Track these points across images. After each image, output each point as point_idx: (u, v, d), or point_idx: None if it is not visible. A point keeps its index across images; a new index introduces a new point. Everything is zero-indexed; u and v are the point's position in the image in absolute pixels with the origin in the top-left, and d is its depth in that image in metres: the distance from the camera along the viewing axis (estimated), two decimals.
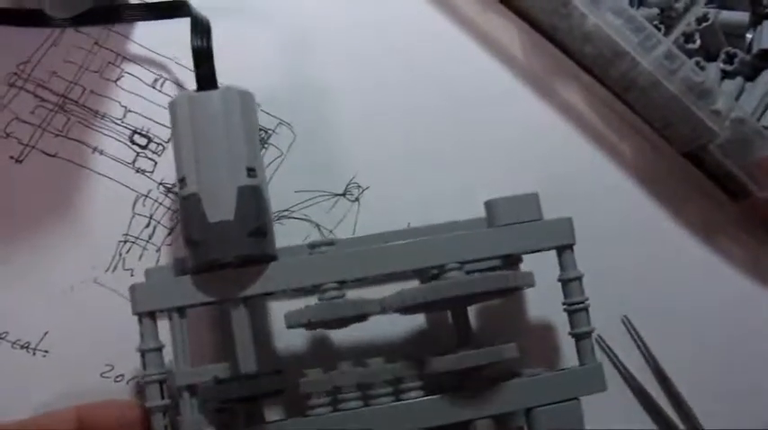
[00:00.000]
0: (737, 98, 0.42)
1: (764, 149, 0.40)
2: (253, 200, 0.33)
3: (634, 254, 0.42)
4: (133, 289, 0.34)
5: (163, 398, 0.33)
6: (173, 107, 0.34)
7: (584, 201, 0.41)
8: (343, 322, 0.34)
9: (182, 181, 0.33)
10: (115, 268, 0.40)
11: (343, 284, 0.34)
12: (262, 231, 0.33)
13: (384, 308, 0.34)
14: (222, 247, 0.32)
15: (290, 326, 0.34)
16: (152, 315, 0.34)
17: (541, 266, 0.37)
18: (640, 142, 0.44)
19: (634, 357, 0.42)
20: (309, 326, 0.34)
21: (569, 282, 0.35)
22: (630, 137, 0.44)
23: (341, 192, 0.42)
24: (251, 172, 0.33)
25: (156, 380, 0.33)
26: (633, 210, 0.43)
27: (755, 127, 0.40)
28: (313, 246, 0.34)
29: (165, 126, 0.42)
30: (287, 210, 0.41)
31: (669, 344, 0.42)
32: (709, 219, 0.44)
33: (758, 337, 0.43)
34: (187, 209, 0.33)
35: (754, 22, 0.43)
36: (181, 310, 0.33)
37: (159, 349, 0.34)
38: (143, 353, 0.34)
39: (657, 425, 0.42)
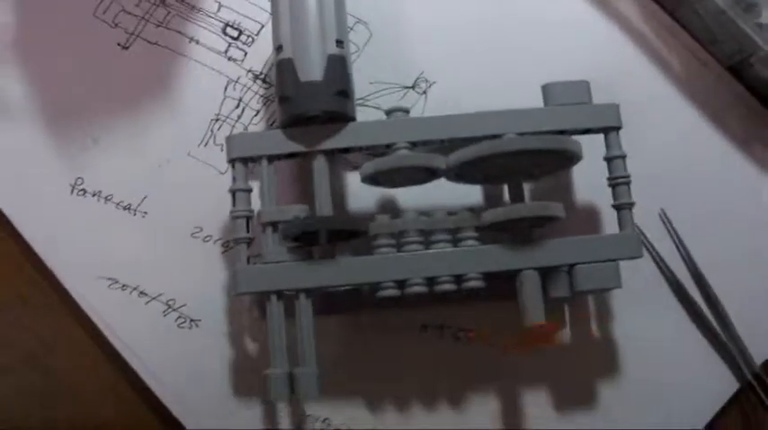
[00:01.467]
0: None
1: None
2: (339, 66, 0.40)
3: (676, 156, 0.48)
4: (229, 139, 0.41)
5: (248, 232, 0.40)
6: None
7: (631, 106, 0.46)
8: (409, 178, 0.41)
9: (278, 48, 0.40)
10: (207, 143, 0.48)
11: (413, 146, 0.40)
12: (345, 93, 0.40)
13: (448, 165, 0.40)
14: (310, 102, 0.39)
15: (365, 176, 0.40)
16: (244, 161, 0.40)
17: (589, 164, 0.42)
18: (687, 55, 0.49)
19: (670, 250, 0.47)
20: (381, 179, 0.40)
21: (614, 159, 0.41)
22: (678, 50, 0.49)
23: (410, 85, 0.48)
24: (339, 43, 0.40)
25: (243, 215, 0.40)
26: (677, 117, 0.48)
27: None
28: (389, 112, 0.41)
29: (254, 20, 0.49)
30: (361, 99, 0.48)
31: (704, 241, 0.47)
32: (748, 128, 0.49)
33: None
34: (282, 71, 0.40)
35: None
36: (270, 158, 0.40)
37: (247, 190, 0.41)
38: (233, 192, 0.41)
39: (689, 315, 0.47)
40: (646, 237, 0.47)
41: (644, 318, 0.47)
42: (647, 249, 0.47)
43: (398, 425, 0.46)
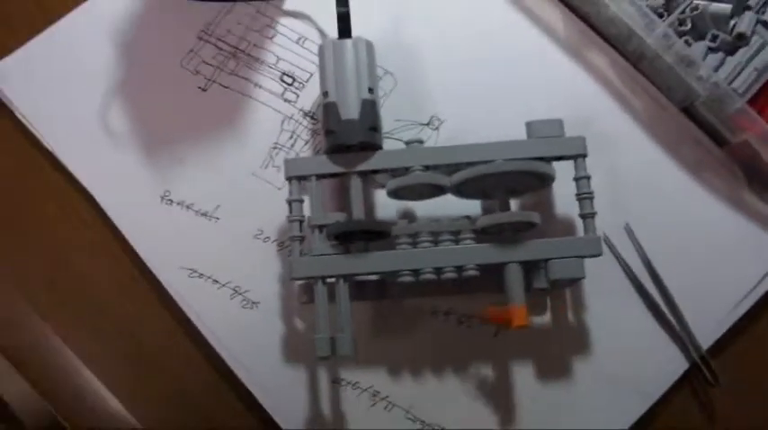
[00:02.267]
0: (718, 68, 0.60)
1: (734, 106, 0.57)
2: (371, 108, 0.53)
3: (639, 180, 0.60)
4: (287, 162, 0.54)
5: (300, 231, 0.54)
6: (322, 47, 0.55)
7: (600, 140, 0.58)
8: (422, 193, 0.54)
9: (325, 94, 0.54)
10: (267, 166, 0.61)
11: (426, 169, 0.54)
12: (375, 128, 0.53)
13: (452, 183, 0.53)
14: (349, 136, 0.53)
15: (389, 191, 0.54)
16: (298, 179, 0.54)
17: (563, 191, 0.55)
18: (647, 99, 0.61)
19: (632, 254, 0.59)
20: (401, 194, 0.54)
21: (581, 179, 0.54)
22: (641, 95, 0.62)
23: (426, 122, 0.61)
24: (370, 91, 0.54)
25: (297, 220, 0.53)
26: (639, 149, 0.60)
27: (727, 89, 0.58)
28: (408, 142, 0.55)
29: (304, 70, 0.62)
30: (388, 132, 0.61)
31: (660, 247, 0.59)
32: (699, 158, 0.61)
33: (732, 249, 0.59)
34: (328, 111, 0.54)
35: (737, 12, 0.60)
36: (317, 177, 0.54)
37: (300, 201, 0.54)
38: (290, 202, 0.54)
39: (646, 306, 0.59)
40: (612, 244, 0.59)
41: (609, 308, 0.58)
42: (613, 253, 0.59)
43: (413, 387, 0.57)
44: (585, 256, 0.53)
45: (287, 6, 0.63)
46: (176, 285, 0.58)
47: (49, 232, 0.60)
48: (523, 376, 0.58)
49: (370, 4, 0.62)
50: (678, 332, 0.58)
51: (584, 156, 0.54)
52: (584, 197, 0.53)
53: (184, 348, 0.59)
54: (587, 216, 0.53)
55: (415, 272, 0.53)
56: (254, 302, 0.59)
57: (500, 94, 0.61)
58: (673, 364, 0.58)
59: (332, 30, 0.58)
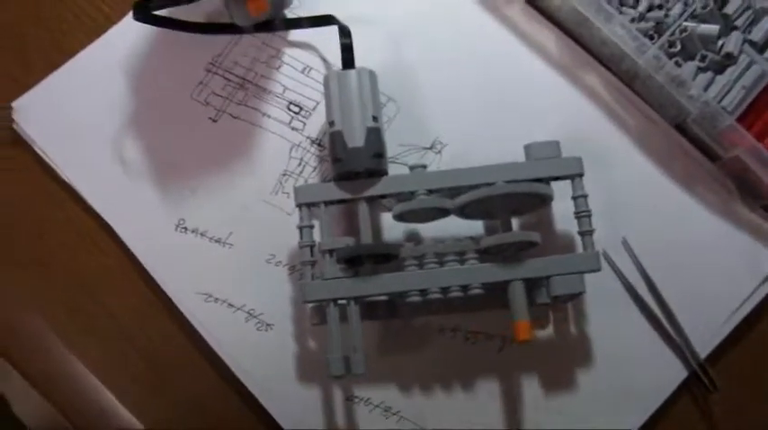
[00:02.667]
0: (708, 87, 0.62)
1: (724, 123, 0.60)
2: (375, 135, 0.56)
3: (633, 197, 0.62)
4: (297, 189, 0.57)
5: (311, 256, 0.56)
6: (327, 78, 0.58)
7: (596, 158, 0.60)
8: (427, 216, 0.57)
9: (331, 123, 0.57)
10: (277, 192, 0.63)
11: (430, 193, 0.57)
12: (380, 154, 0.56)
13: (455, 205, 0.56)
14: (355, 163, 0.55)
15: (395, 215, 0.56)
16: (308, 205, 0.57)
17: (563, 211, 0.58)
18: (641, 117, 0.64)
19: (630, 268, 0.61)
20: (406, 217, 0.57)
21: (578, 198, 0.57)
22: (635, 113, 0.64)
23: (429, 146, 0.64)
24: (375, 119, 0.57)
25: (308, 245, 0.56)
26: (633, 166, 0.63)
27: (717, 107, 0.60)
28: (412, 167, 0.57)
29: (311, 99, 0.65)
30: (392, 157, 0.64)
31: (657, 260, 0.61)
32: (692, 173, 0.63)
33: (726, 260, 0.62)
34: (334, 140, 0.57)
35: (725, 32, 0.63)
36: (326, 203, 0.57)
37: (311, 226, 0.56)
38: (300, 229, 0.57)
39: (646, 318, 0.61)
40: (610, 258, 0.62)
41: (609, 320, 0.61)
42: (612, 267, 0.61)
43: (423, 402, 0.60)
44: (585, 272, 0.55)
45: (292, 38, 0.66)
46: (193, 310, 0.60)
47: (70, 261, 0.63)
48: (528, 388, 0.60)
49: (371, 32, 0.65)
50: (677, 341, 0.61)
51: (581, 175, 0.56)
52: (583, 215, 0.56)
53: (202, 370, 0.61)
54: (586, 233, 0.56)
55: (423, 292, 0.55)
56: (267, 325, 0.61)
57: (499, 116, 0.64)
58: (672, 373, 0.60)
59: (335, 59, 0.61)
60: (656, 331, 0.61)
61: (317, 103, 0.64)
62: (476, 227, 0.61)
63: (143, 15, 0.60)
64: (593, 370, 0.60)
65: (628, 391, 0.60)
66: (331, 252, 0.55)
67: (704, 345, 0.59)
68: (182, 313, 0.60)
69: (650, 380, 0.60)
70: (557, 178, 0.56)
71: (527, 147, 0.56)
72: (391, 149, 0.62)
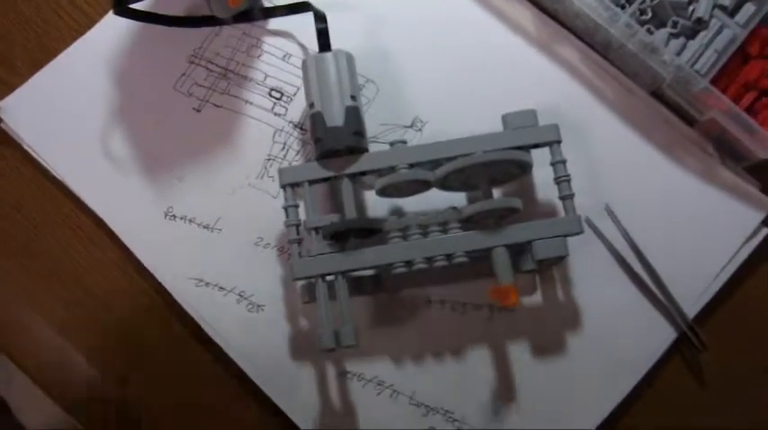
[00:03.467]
0: (680, 52, 0.64)
1: (698, 86, 0.61)
2: (354, 114, 0.58)
3: (615, 164, 0.63)
4: (281, 170, 0.59)
5: (297, 234, 0.58)
6: (305, 62, 0.59)
7: (575, 128, 0.62)
8: (409, 190, 0.58)
9: (311, 105, 0.59)
10: (263, 176, 0.65)
11: (411, 167, 0.58)
12: (360, 133, 0.58)
13: (436, 177, 0.58)
14: (336, 141, 0.57)
15: (378, 190, 0.58)
16: (292, 186, 0.58)
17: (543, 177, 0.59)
18: (619, 87, 0.66)
19: (615, 233, 0.63)
20: (389, 192, 0.58)
21: (557, 164, 0.58)
22: (611, 82, 0.66)
23: (409, 124, 0.66)
24: (353, 98, 0.58)
25: (294, 224, 0.57)
26: (613, 134, 0.64)
27: (690, 71, 0.62)
28: (392, 143, 0.59)
29: (291, 85, 0.67)
30: (374, 137, 0.65)
31: (643, 225, 0.62)
32: (671, 139, 0.65)
33: (709, 221, 0.63)
34: (314, 120, 0.58)
35: None
36: (310, 182, 0.58)
37: (296, 206, 0.58)
38: (286, 208, 0.58)
39: (633, 282, 0.62)
40: (594, 225, 0.63)
41: (597, 285, 0.62)
42: (596, 234, 0.62)
43: (415, 374, 0.61)
44: (567, 235, 0.57)
45: (271, 26, 0.67)
46: (185, 295, 0.62)
47: (65, 256, 0.64)
48: (519, 355, 0.61)
49: (350, 17, 0.66)
50: (664, 303, 0.62)
51: (559, 142, 0.58)
52: (562, 180, 0.57)
53: (198, 355, 0.63)
54: (566, 197, 0.57)
55: (408, 263, 0.57)
56: (258, 306, 0.62)
57: (478, 92, 0.65)
58: (661, 334, 0.61)
59: (314, 45, 0.63)
60: (644, 294, 0.62)
61: (298, 89, 0.66)
62: (458, 200, 0.62)
63: (123, 10, 0.61)
64: (582, 335, 0.61)
65: (618, 355, 0.61)
66: (317, 229, 0.57)
67: (692, 306, 0.61)
68: (175, 300, 0.62)
69: (640, 342, 0.61)
70: (535, 146, 0.58)
71: (504, 117, 0.58)
72: (372, 129, 0.64)
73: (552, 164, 0.57)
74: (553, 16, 0.66)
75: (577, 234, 0.57)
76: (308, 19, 0.63)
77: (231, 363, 0.61)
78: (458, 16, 0.67)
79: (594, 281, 0.62)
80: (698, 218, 0.63)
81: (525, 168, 0.57)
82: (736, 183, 0.64)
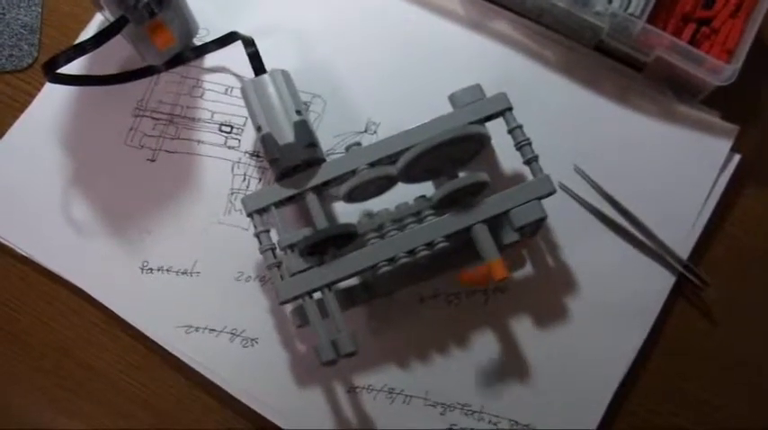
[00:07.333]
0: (611, 1, 0.65)
1: (636, 29, 0.62)
2: (303, 127, 0.58)
3: (573, 125, 0.64)
4: (243, 200, 0.59)
5: (275, 258, 0.58)
6: (244, 89, 0.60)
7: (527, 97, 0.63)
8: (375, 189, 0.58)
9: (258, 128, 0.59)
10: (230, 211, 0.65)
11: (372, 166, 0.58)
12: (312, 144, 0.58)
13: (398, 170, 0.58)
14: (291, 158, 0.57)
15: (344, 197, 0.57)
16: (259, 212, 0.58)
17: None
18: (560, 48, 0.67)
19: (589, 191, 0.64)
20: (355, 195, 0.58)
21: (514, 130, 0.59)
22: (550, 46, 0.67)
23: (363, 129, 0.66)
24: (298, 113, 0.59)
25: (269, 248, 0.58)
26: (565, 95, 0.65)
27: (624, 15, 0.62)
28: (347, 147, 0.59)
29: (239, 116, 0.67)
30: (330, 149, 0.66)
31: (615, 178, 0.63)
32: (624, 88, 0.66)
33: (680, 159, 0.64)
34: (266, 142, 0.58)
35: None
36: (276, 204, 0.58)
37: (267, 231, 0.58)
38: (258, 235, 0.58)
39: (619, 236, 0.63)
40: (567, 187, 0.63)
41: (584, 246, 0.62)
42: (571, 196, 0.63)
43: (424, 374, 0.61)
44: (541, 197, 0.57)
45: (206, 64, 0.68)
46: (177, 344, 0.61)
47: (47, 331, 0.64)
48: (523, 331, 0.61)
49: (278, 41, 0.68)
50: (656, 250, 0.62)
51: (510, 109, 0.59)
52: (523, 144, 0.58)
53: (202, 401, 0.62)
54: (531, 161, 0.58)
55: (392, 260, 0.57)
56: (252, 340, 0.62)
57: (423, 83, 0.66)
58: (661, 281, 0.62)
59: (251, 72, 0.63)
60: (634, 245, 0.62)
61: (246, 119, 0.67)
62: (427, 191, 0.62)
63: (56, 76, 0.62)
64: (581, 297, 0.62)
65: (622, 309, 0.61)
66: (292, 247, 0.57)
67: (684, 247, 0.62)
68: (168, 351, 0.62)
69: (641, 292, 0.61)
70: (488, 118, 0.58)
71: (451, 97, 0.59)
72: (328, 142, 0.65)
73: (509, 131, 0.58)
74: None
75: (551, 194, 0.57)
76: (240, 48, 0.64)
77: (238, 403, 0.61)
78: (387, 16, 0.68)
79: (581, 241, 0.62)
80: (668, 159, 0.64)
81: (483, 141, 0.57)
82: (698, 117, 0.64)
